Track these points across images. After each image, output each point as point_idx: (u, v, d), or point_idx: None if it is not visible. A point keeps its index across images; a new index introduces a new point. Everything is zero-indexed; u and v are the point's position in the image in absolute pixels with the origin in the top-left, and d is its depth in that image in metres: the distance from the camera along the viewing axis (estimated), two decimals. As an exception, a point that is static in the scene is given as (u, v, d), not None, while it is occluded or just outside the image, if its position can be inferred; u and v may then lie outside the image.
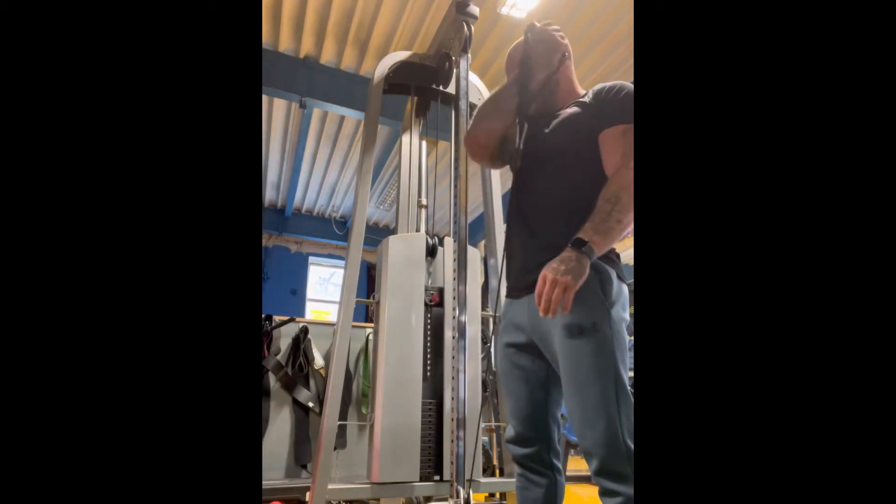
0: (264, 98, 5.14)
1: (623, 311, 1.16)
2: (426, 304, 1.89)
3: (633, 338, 2.91)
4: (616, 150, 1.20)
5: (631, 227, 1.13)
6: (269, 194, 7.49)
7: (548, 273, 1.07)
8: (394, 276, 1.86)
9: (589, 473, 1.14)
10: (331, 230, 8.13)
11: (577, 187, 1.22)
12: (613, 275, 1.17)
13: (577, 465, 4.39)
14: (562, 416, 1.33)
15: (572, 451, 4.18)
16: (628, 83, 1.25)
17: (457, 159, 1.69)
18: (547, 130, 1.31)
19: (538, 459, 1.26)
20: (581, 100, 1.30)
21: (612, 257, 1.20)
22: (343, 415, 2.14)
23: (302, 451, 2.38)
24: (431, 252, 1.97)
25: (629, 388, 1.11)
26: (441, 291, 1.93)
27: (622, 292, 1.18)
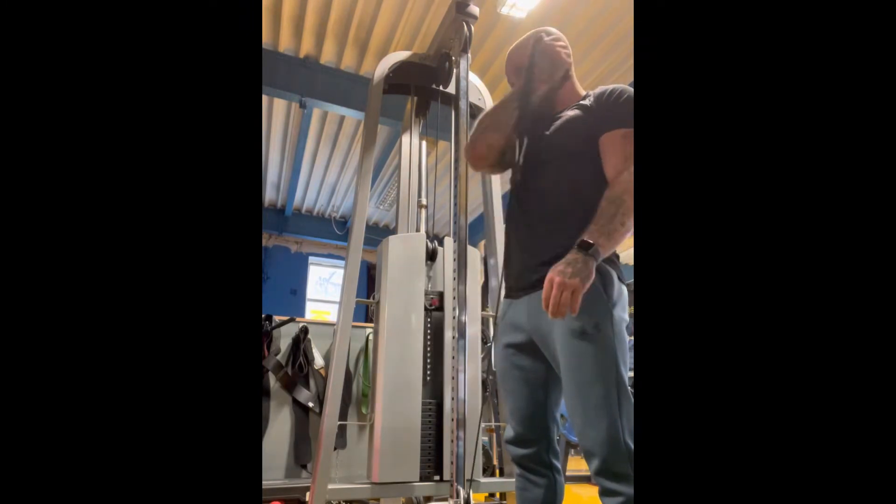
0: (264, 98, 5.14)
1: (623, 312, 1.16)
2: (426, 309, 1.88)
3: (633, 338, 2.91)
4: (617, 153, 1.20)
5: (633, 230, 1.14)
6: (269, 194, 7.48)
7: (555, 276, 1.07)
8: (394, 276, 1.86)
9: (589, 473, 1.14)
10: (331, 230, 8.12)
11: (578, 189, 1.23)
12: (614, 276, 1.18)
13: (577, 465, 4.39)
14: (561, 416, 1.33)
15: (572, 451, 4.18)
16: (629, 87, 1.25)
17: (457, 159, 1.69)
18: (548, 132, 1.31)
19: (537, 460, 1.26)
20: (582, 102, 1.30)
21: (612, 258, 1.20)
22: (343, 415, 2.14)
23: (302, 451, 2.38)
24: (431, 256, 1.96)
25: (629, 388, 1.11)
26: (441, 295, 1.92)
27: (622, 293, 1.18)
